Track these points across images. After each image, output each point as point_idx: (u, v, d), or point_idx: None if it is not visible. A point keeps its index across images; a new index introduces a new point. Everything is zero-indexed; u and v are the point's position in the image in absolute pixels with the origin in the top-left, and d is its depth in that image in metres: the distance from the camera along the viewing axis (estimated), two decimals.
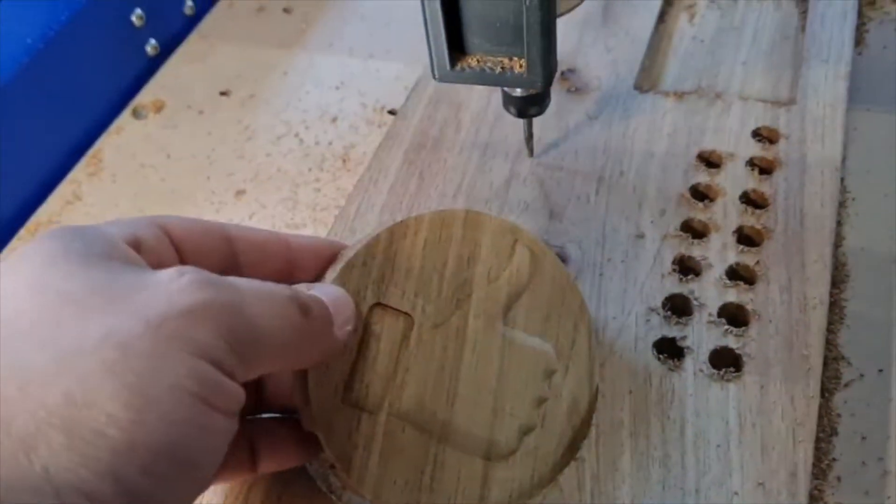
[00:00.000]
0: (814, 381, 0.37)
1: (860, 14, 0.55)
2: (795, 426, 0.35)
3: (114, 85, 0.57)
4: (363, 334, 0.31)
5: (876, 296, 0.42)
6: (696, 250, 0.42)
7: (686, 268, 0.41)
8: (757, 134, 0.47)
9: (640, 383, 0.37)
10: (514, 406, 0.33)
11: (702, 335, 0.38)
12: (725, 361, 0.38)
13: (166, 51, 0.60)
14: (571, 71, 0.51)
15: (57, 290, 0.24)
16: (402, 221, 0.32)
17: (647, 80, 0.52)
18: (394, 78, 0.56)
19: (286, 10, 0.64)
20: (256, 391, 0.34)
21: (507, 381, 0.33)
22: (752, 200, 0.44)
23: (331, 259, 0.32)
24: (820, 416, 0.37)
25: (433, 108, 0.50)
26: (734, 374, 0.37)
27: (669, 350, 0.38)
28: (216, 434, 0.24)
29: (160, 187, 0.52)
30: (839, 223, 0.44)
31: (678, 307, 0.40)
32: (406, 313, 0.32)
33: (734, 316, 0.39)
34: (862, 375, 0.39)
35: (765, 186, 0.44)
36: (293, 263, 0.32)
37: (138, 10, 0.58)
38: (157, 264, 0.27)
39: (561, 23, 0.38)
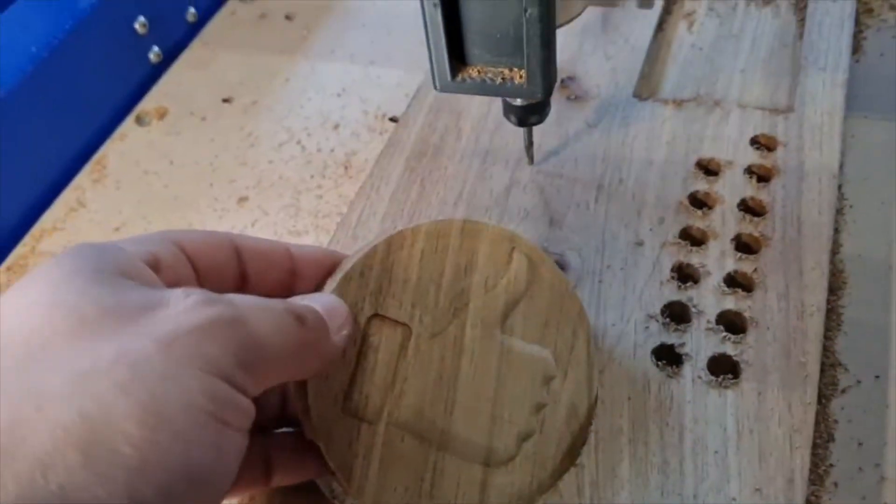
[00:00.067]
0: (811, 387, 0.37)
1: (857, 22, 0.56)
2: (792, 432, 0.36)
3: (117, 92, 0.58)
4: (361, 345, 0.31)
5: (873, 302, 0.42)
6: (694, 258, 0.42)
7: (685, 275, 0.42)
8: (755, 141, 0.47)
9: (639, 390, 0.38)
10: (513, 413, 0.33)
11: (700, 342, 0.39)
12: (723, 368, 0.38)
13: (169, 58, 0.61)
14: (571, 79, 0.52)
15: (68, 308, 0.24)
16: (399, 232, 0.33)
17: (646, 87, 0.52)
18: (395, 85, 0.57)
19: (288, 17, 0.64)
20: (281, 404, 0.34)
21: (505, 388, 0.33)
22: (750, 208, 0.44)
23: (331, 269, 0.33)
24: (817, 422, 0.38)
25: (434, 115, 0.50)
26: (732, 381, 0.37)
27: (668, 357, 0.39)
28: (229, 451, 0.24)
29: (163, 194, 0.52)
30: (837, 230, 0.45)
31: (677, 314, 0.40)
32: (404, 324, 0.32)
33: (732, 323, 0.40)
34: (859, 382, 0.39)
35: (763, 194, 0.44)
36: (295, 273, 0.32)
37: (141, 18, 0.58)
38: (175, 282, 0.28)
39: (561, 31, 0.38)
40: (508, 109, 0.42)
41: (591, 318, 0.40)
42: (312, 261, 0.32)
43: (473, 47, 0.36)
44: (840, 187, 0.46)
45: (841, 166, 0.47)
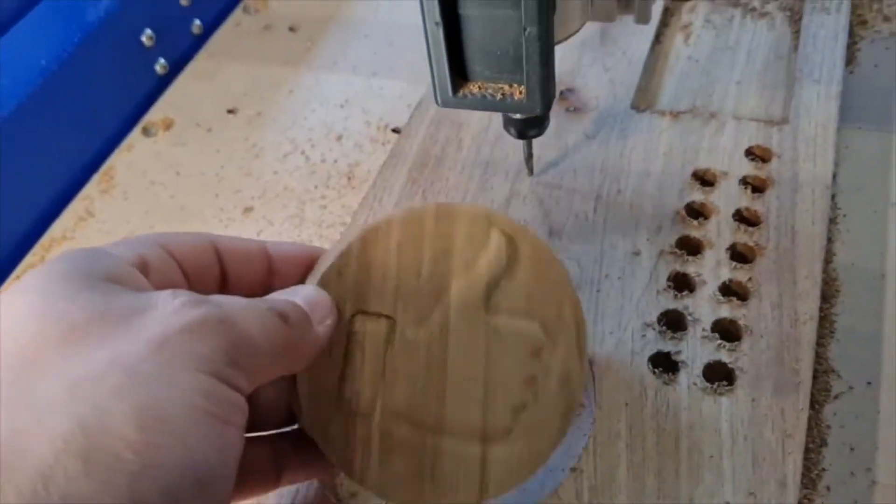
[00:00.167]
0: (803, 394, 0.38)
1: (852, 33, 0.57)
2: (785, 438, 0.36)
3: (125, 103, 0.59)
4: (347, 343, 0.32)
5: (865, 310, 0.43)
6: (690, 267, 0.43)
7: (681, 284, 0.43)
8: (750, 153, 0.48)
9: (636, 396, 0.39)
10: (505, 388, 0.33)
11: (696, 350, 0.40)
12: (718, 375, 0.39)
13: (175, 69, 0.62)
14: (570, 91, 0.53)
15: (59, 316, 0.24)
16: (372, 226, 0.33)
17: (643, 99, 0.53)
18: (397, 96, 0.58)
19: (292, 29, 0.65)
20: (287, 407, 0.34)
21: (494, 365, 0.33)
22: (745, 218, 0.45)
23: (309, 265, 0.33)
24: (810, 428, 0.39)
25: (435, 127, 0.51)
26: (727, 388, 0.38)
27: (664, 364, 0.40)
28: (229, 448, 0.25)
29: (170, 204, 0.53)
30: (830, 240, 0.46)
31: (673, 322, 0.41)
32: (387, 316, 0.32)
33: (727, 331, 0.41)
34: (851, 388, 0.40)
35: (757, 204, 0.45)
36: (272, 271, 0.32)
37: (148, 31, 0.59)
38: (163, 284, 0.28)
39: (560, 44, 0.39)
40: (508, 122, 0.43)
41: (590, 326, 0.41)
42: (290, 257, 0.33)
43: (474, 64, 0.37)
44: (834, 197, 0.47)
45: (834, 176, 0.48)
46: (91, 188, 0.55)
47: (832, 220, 0.46)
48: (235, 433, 0.25)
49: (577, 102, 0.52)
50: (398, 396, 0.32)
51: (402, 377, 0.32)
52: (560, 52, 0.39)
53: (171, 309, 0.25)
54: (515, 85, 0.37)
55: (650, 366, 0.39)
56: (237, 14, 0.66)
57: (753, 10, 0.58)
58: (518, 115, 0.41)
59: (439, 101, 0.38)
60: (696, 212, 0.46)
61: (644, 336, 0.41)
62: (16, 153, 0.51)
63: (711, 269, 0.43)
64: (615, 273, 0.43)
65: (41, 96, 0.52)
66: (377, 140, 0.55)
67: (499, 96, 0.37)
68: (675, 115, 0.51)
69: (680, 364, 0.39)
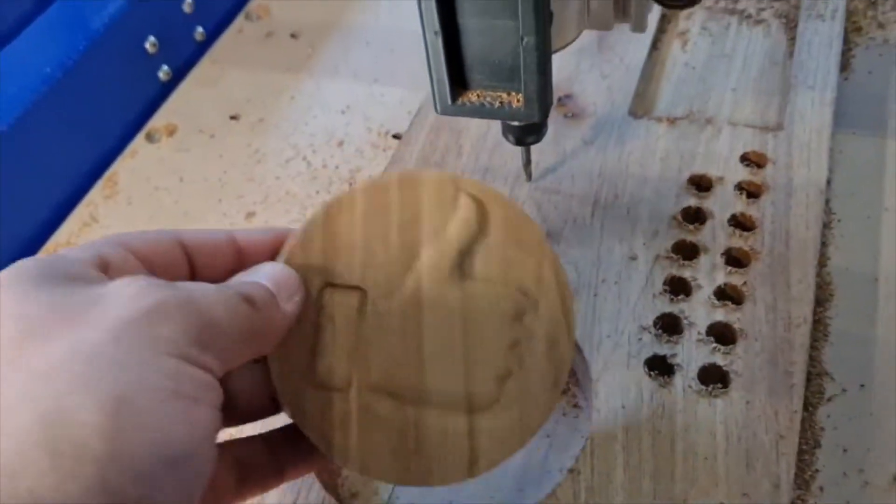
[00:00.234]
0: (797, 396, 0.38)
1: (847, 40, 0.57)
2: (779, 439, 0.37)
3: (128, 110, 0.60)
4: (317, 317, 0.31)
5: (859, 314, 0.44)
6: (686, 271, 0.44)
7: (677, 288, 0.43)
8: (745, 158, 0.49)
9: (633, 399, 0.39)
10: (486, 355, 0.32)
11: (691, 353, 0.40)
12: (713, 378, 0.40)
13: (178, 76, 0.63)
14: (568, 97, 0.54)
15: (15, 315, 0.24)
16: (335, 198, 0.32)
17: (640, 105, 0.54)
18: (398, 103, 0.59)
19: (293, 36, 0.66)
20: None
21: (473, 332, 0.32)
22: (740, 223, 0.46)
23: (279, 248, 0.33)
24: (804, 430, 0.39)
25: (435, 134, 0.52)
26: (721, 390, 0.39)
27: (660, 367, 0.40)
28: (200, 426, 0.24)
29: (173, 209, 0.54)
30: (825, 244, 0.46)
31: (669, 326, 0.42)
32: (357, 287, 0.31)
33: (722, 334, 0.41)
34: (844, 390, 0.41)
35: (752, 210, 0.46)
36: (242, 258, 0.32)
37: (152, 38, 0.60)
38: None
39: (557, 52, 0.40)
40: (507, 129, 0.43)
41: (587, 330, 0.42)
42: (258, 242, 0.32)
43: (473, 73, 0.38)
44: (828, 202, 0.48)
45: (829, 182, 0.48)
46: (95, 194, 0.56)
47: (826, 225, 0.47)
48: (207, 412, 0.24)
49: (576, 108, 0.53)
50: (374, 369, 0.31)
51: (377, 349, 0.31)
52: (558, 58, 0.39)
53: (128, 294, 0.24)
54: (513, 93, 0.38)
55: (646, 369, 0.40)
56: (239, 21, 0.67)
57: (749, 17, 0.59)
58: (516, 123, 0.42)
59: (438, 109, 0.39)
60: (692, 217, 0.46)
61: (640, 339, 0.41)
62: (21, 159, 0.52)
63: (707, 273, 0.43)
64: (612, 277, 0.44)
65: (46, 103, 0.53)
66: (378, 146, 0.56)
67: (497, 104, 0.38)
68: (672, 121, 0.51)
69: (676, 367, 0.40)
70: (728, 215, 0.46)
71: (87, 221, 0.54)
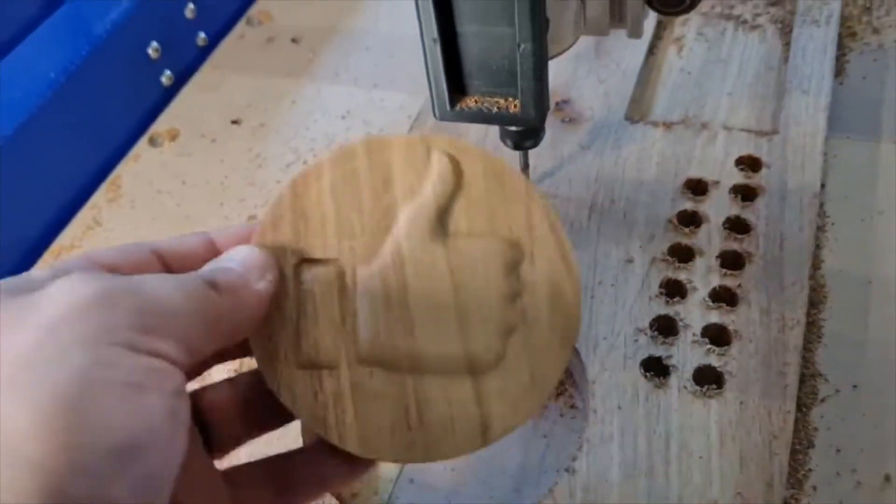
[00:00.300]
0: (790, 397, 0.39)
1: (841, 45, 0.58)
2: (772, 439, 0.38)
3: (131, 114, 0.60)
4: (296, 294, 0.30)
5: (852, 316, 0.44)
6: (681, 274, 0.44)
7: (672, 290, 0.44)
8: (740, 162, 0.49)
9: (629, 399, 0.40)
10: (483, 310, 0.30)
11: (686, 354, 0.41)
12: (708, 379, 0.40)
13: (180, 81, 0.63)
14: (566, 102, 0.54)
15: None
16: (301, 173, 0.31)
17: (637, 110, 0.54)
18: (398, 107, 0.59)
19: (294, 41, 0.66)
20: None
21: (464, 289, 0.30)
22: (735, 226, 0.46)
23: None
24: (797, 430, 0.40)
25: None
26: (716, 391, 0.40)
27: (656, 368, 0.41)
28: (147, 414, 0.23)
29: (176, 213, 0.55)
30: (818, 246, 0.47)
31: (664, 328, 0.42)
32: (334, 259, 0.30)
33: (717, 336, 0.42)
34: (837, 391, 0.41)
35: (747, 213, 0.46)
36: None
37: (154, 43, 0.61)
38: None
39: (554, 58, 0.41)
40: (505, 134, 0.44)
41: (584, 332, 0.42)
42: (236, 236, 0.31)
43: (471, 79, 0.38)
44: (822, 205, 0.49)
45: (823, 185, 0.49)
46: (99, 197, 0.56)
47: (820, 228, 0.48)
48: (157, 399, 0.23)
49: (573, 113, 0.54)
50: (363, 342, 0.30)
51: (364, 320, 0.30)
52: (555, 64, 0.40)
53: (64, 289, 0.24)
54: (511, 98, 0.38)
55: (642, 370, 0.41)
56: (241, 26, 0.68)
57: (745, 22, 0.59)
58: (514, 128, 0.43)
59: (437, 115, 0.39)
60: (688, 220, 0.47)
61: (636, 341, 0.42)
62: (25, 163, 0.52)
63: (702, 275, 0.44)
64: (608, 280, 0.44)
65: (50, 108, 0.54)
66: None
67: (495, 109, 0.39)
68: (668, 125, 0.52)
69: (671, 368, 0.41)
70: (723, 218, 0.46)
71: (90, 225, 0.54)
